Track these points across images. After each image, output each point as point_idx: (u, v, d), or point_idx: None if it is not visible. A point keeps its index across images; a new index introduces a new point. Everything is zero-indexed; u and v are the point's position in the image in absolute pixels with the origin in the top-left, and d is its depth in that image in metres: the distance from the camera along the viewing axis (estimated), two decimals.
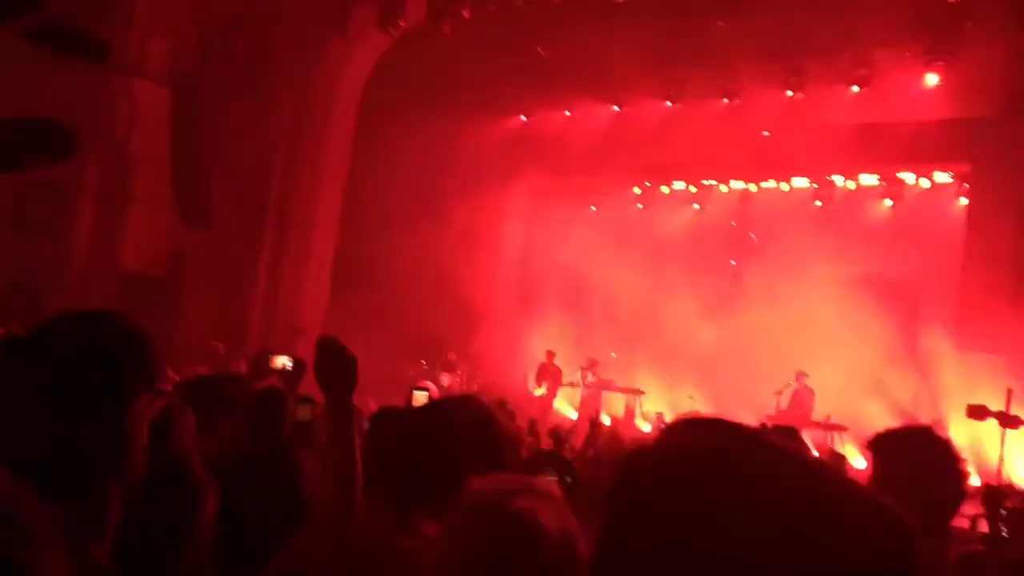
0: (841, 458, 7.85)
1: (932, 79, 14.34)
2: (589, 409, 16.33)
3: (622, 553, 1.05)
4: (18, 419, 1.69)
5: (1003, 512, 5.10)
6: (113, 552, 1.75)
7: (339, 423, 2.38)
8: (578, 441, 7.72)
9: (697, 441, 1.07)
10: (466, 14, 14.45)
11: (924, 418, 12.68)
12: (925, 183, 15.39)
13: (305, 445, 5.04)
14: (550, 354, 16.82)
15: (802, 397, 14.32)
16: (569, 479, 4.28)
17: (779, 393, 14.23)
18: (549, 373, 16.82)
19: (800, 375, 14.28)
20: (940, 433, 2.89)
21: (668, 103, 16.76)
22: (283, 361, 6.68)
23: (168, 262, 16.00)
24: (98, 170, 15.89)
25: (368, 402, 8.45)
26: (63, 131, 4.47)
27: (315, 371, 2.45)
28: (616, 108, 17.45)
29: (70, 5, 15.07)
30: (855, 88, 14.95)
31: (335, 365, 2.42)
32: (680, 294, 16.07)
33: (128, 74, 16.04)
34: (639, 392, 16.12)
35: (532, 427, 8.18)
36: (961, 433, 11.31)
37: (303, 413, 5.30)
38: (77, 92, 15.28)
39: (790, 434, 3.78)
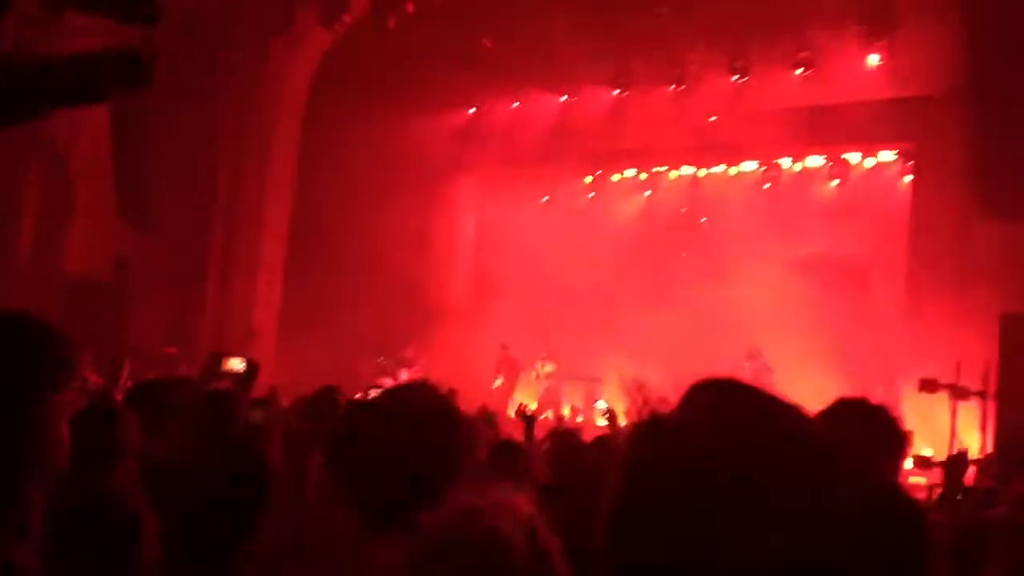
0: None
1: (874, 59, 14.56)
2: (549, 400, 16.39)
3: (641, 519, 1.06)
4: None
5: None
6: (39, 554, 1.71)
7: None
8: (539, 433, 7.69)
9: (719, 413, 1.10)
10: (410, 7, 14.35)
11: (877, 392, 12.92)
12: (870, 162, 15.62)
13: (260, 447, 4.98)
14: (504, 347, 16.84)
15: (758, 376, 14.43)
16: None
17: (735, 372, 14.33)
18: (505, 366, 16.83)
19: (754, 353, 14.34)
20: (873, 402, 2.99)
21: (615, 91, 16.82)
22: (236, 364, 6.59)
23: (115, 268, 15.72)
24: (39, 177, 15.55)
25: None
26: (140, 61, 4.41)
27: None
28: (564, 98, 17.46)
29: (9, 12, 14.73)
30: (799, 71, 15.13)
31: None
32: (635, 281, 16.19)
33: None
34: (598, 380, 16.16)
35: (490, 417, 8.12)
36: (914, 407, 11.53)
37: (256, 416, 5.25)
38: None
39: None
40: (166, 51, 15.65)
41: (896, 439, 2.91)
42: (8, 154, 14.95)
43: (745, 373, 11.21)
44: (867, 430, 2.78)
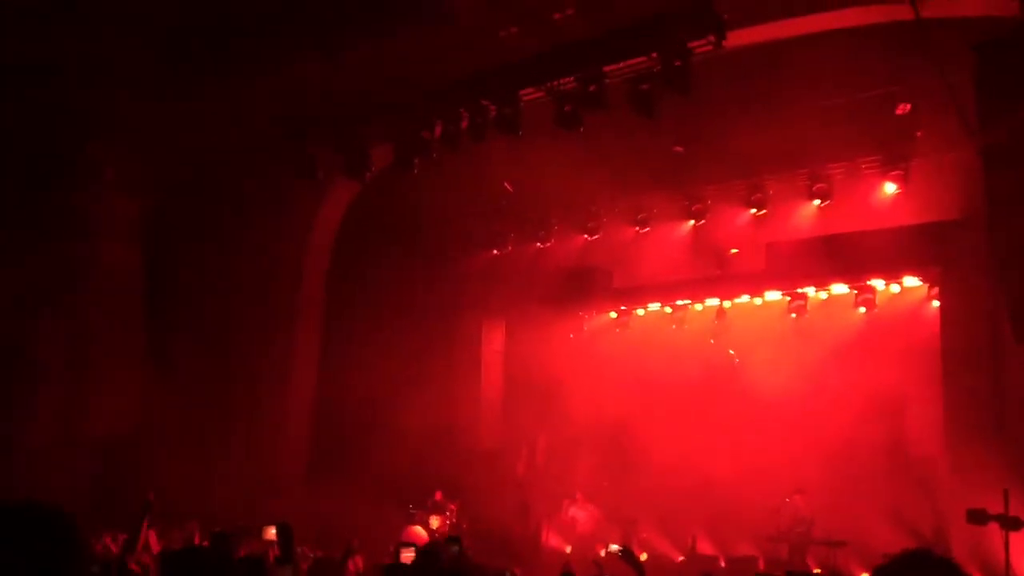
0: None
1: (890, 188, 14.74)
2: (583, 543, 15.97)
3: None
4: None
5: None
6: None
7: None
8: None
9: None
10: (433, 155, 14.72)
11: (923, 526, 12.52)
12: (895, 288, 15.58)
13: None
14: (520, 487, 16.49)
15: (800, 514, 14.05)
16: None
17: (776, 511, 13.96)
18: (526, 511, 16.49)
19: (797, 492, 14.04)
20: (939, 551, 2.91)
21: (637, 228, 17.08)
22: (270, 532, 6.53)
23: (139, 424, 15.67)
24: (62, 336, 15.68)
25: (357, 560, 8.23)
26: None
27: None
28: (587, 236, 17.71)
29: (38, 165, 15.19)
30: (816, 202, 15.35)
31: None
32: (664, 416, 15.98)
33: (96, 236, 16.06)
34: (632, 521, 15.78)
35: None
36: (964, 539, 11.13)
37: (283, 573, 5.19)
38: (45, 261, 15.25)
39: None
40: (190, 205, 16.03)
41: None
42: (27, 312, 15.13)
43: (784, 512, 10.95)
44: None
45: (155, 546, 8.10)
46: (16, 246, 15.03)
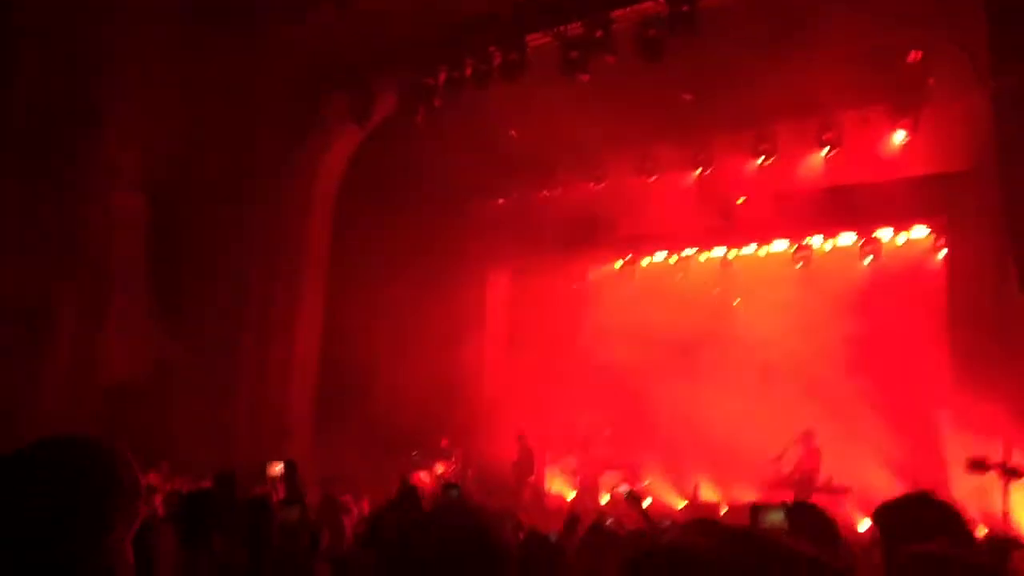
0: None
1: (899, 137, 14.61)
2: (585, 490, 16.14)
3: None
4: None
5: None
6: None
7: None
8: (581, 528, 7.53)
9: (703, 549, 1.08)
10: (437, 102, 14.62)
11: (923, 474, 12.60)
12: (902, 238, 15.51)
13: (293, 544, 4.98)
14: (521, 436, 16.56)
15: (806, 460, 14.09)
16: None
17: (779, 458, 14.04)
18: (523, 455, 16.57)
19: (808, 435, 14.03)
20: (940, 496, 2.95)
21: (644, 177, 16.96)
22: (276, 468, 6.59)
23: (150, 372, 15.81)
24: (75, 284, 15.78)
25: (362, 504, 8.32)
26: None
27: None
28: (593, 185, 17.61)
29: (44, 117, 15.24)
30: (825, 151, 15.22)
31: None
32: (668, 365, 16.04)
33: (104, 187, 16.07)
34: (635, 469, 15.91)
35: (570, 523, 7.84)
36: (964, 486, 11.20)
37: (291, 514, 5.25)
38: (56, 209, 15.29)
39: (819, 525, 3.74)
40: (198, 157, 16.05)
41: (967, 541, 2.84)
42: (43, 265, 15.23)
43: (790, 456, 10.98)
44: (933, 529, 2.71)
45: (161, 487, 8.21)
46: (27, 197, 15.06)
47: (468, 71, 14.06)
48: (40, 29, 14.93)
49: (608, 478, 16.15)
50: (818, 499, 13.47)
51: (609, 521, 7.28)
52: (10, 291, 14.79)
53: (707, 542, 1.06)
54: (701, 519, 1.20)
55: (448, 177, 17.05)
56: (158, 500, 5.74)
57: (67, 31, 14.85)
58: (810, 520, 3.74)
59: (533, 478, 16.52)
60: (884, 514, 2.93)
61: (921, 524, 2.74)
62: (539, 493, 16.54)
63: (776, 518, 3.35)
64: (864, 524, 11.62)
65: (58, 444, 1.77)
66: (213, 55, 15.19)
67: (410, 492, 5.62)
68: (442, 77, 14.34)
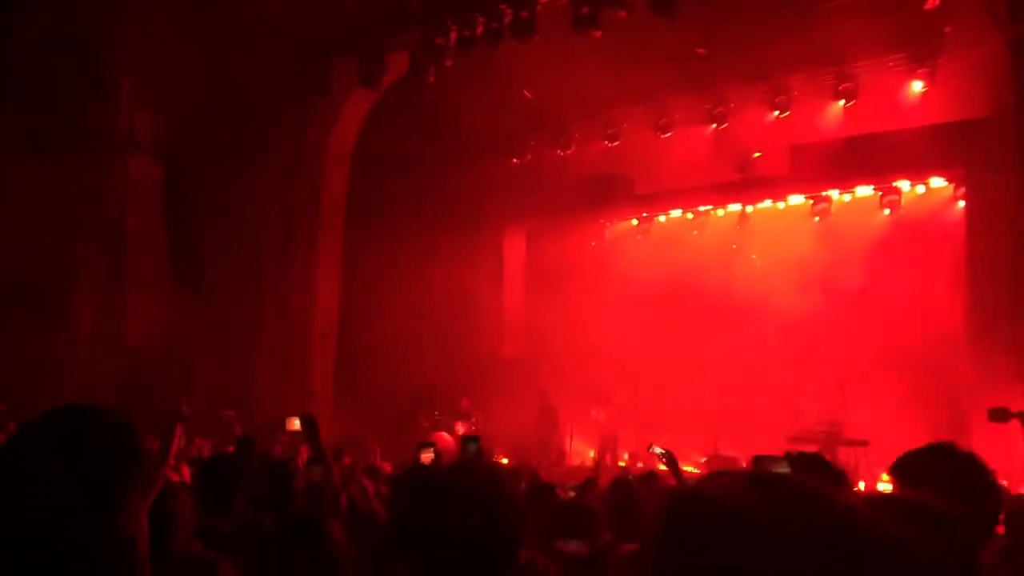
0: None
1: (917, 86, 14.43)
2: (606, 445, 16.23)
3: None
4: (15, 533, 1.66)
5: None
6: None
7: None
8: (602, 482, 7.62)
9: (737, 496, 1.11)
10: (448, 63, 14.53)
11: (945, 426, 12.60)
12: (921, 189, 15.38)
13: (319, 504, 5.04)
14: (544, 393, 16.64)
15: (836, 412, 14.03)
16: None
17: (799, 412, 14.02)
18: (546, 413, 16.66)
19: (839, 387, 13.97)
20: (962, 448, 2.83)
21: (659, 133, 16.84)
22: (295, 423, 6.62)
23: (171, 335, 15.98)
24: (95, 249, 15.93)
25: (383, 464, 8.40)
26: None
27: None
28: (607, 143, 17.51)
29: (57, 86, 15.27)
30: (841, 102, 15.05)
31: None
32: (686, 321, 16.06)
33: (120, 150, 16.14)
34: (653, 423, 15.97)
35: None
36: (985, 437, 11.20)
37: (315, 473, 5.30)
38: (73, 175, 15.41)
39: (830, 476, 3.68)
40: (212, 121, 16.12)
41: (991, 492, 2.76)
42: (63, 230, 15.37)
43: (821, 406, 10.87)
44: (958, 482, 2.65)
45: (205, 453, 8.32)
46: (43, 166, 15.17)
47: (479, 30, 13.94)
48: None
49: (628, 434, 16.24)
50: (843, 453, 13.54)
51: (630, 477, 7.36)
52: (31, 258, 14.94)
53: (750, 492, 1.11)
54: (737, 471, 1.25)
55: (463, 138, 17.01)
56: (183, 466, 5.83)
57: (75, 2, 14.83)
58: (817, 471, 3.70)
59: (556, 436, 16.62)
60: (902, 465, 2.77)
61: (940, 476, 2.63)
62: (561, 450, 16.65)
63: (780, 470, 3.32)
64: (884, 479, 11.68)
65: (73, 413, 1.81)
66: (224, 19, 15.14)
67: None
68: (453, 37, 14.23)
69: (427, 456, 5.13)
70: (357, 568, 4.11)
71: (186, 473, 6.34)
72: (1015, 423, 10.90)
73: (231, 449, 7.48)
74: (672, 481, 5.91)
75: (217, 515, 4.21)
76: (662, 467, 6.78)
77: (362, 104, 16.85)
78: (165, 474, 4.13)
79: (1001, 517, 3.24)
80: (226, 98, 16.13)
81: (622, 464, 15.30)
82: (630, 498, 5.31)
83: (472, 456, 5.34)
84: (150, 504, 2.91)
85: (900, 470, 2.79)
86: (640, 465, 14.90)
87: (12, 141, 15.03)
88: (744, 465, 14.53)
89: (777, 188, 16.30)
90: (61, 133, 15.41)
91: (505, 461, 14.12)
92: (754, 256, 16.70)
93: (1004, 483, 10.49)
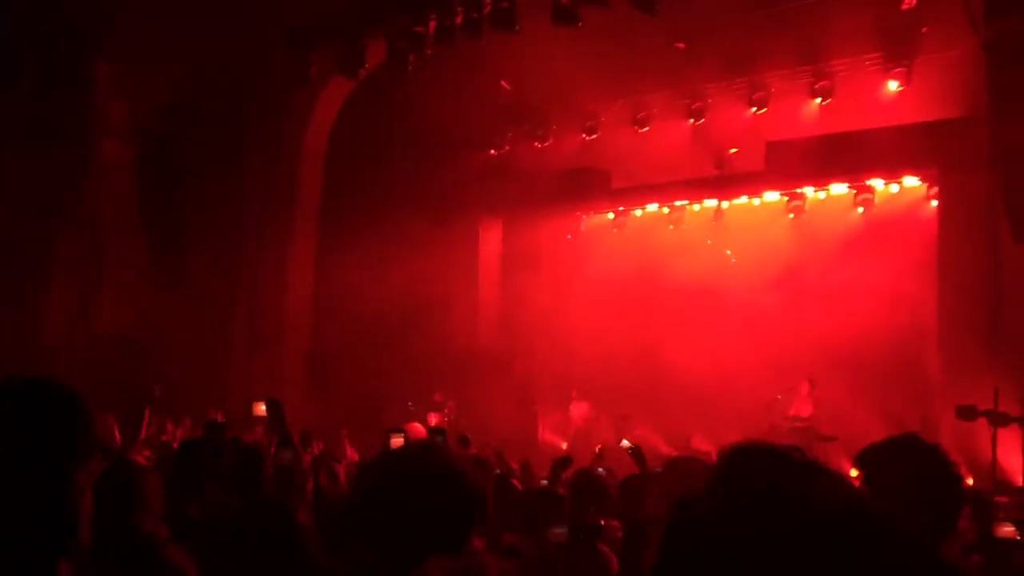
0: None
1: (893, 85, 14.54)
2: (582, 439, 16.24)
3: None
4: None
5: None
6: None
7: None
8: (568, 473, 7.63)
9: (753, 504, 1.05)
10: (427, 52, 14.48)
11: (913, 423, 12.72)
12: (895, 188, 15.51)
13: (288, 488, 5.03)
14: (523, 386, 16.69)
15: (804, 408, 14.14)
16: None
17: (769, 407, 14.13)
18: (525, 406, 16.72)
19: (807, 381, 14.06)
20: (927, 440, 2.84)
21: (636, 128, 16.87)
22: (260, 408, 6.60)
23: (144, 323, 15.85)
24: (68, 236, 15.78)
25: (349, 451, 8.39)
26: None
27: None
28: (585, 136, 17.53)
29: (33, 68, 15.09)
30: (818, 100, 15.15)
31: None
32: (660, 316, 16.12)
33: (94, 138, 15.98)
34: (626, 416, 16.03)
35: (525, 467, 8.08)
36: (952, 434, 11.33)
37: (284, 457, 5.28)
38: (46, 162, 15.24)
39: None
40: (189, 108, 16.00)
41: (954, 483, 2.77)
42: (38, 214, 15.21)
43: (785, 401, 10.90)
44: (923, 474, 2.67)
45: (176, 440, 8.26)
46: (23, 149, 15.01)
47: (459, 19, 13.90)
48: None
49: (600, 427, 16.29)
50: (815, 448, 13.63)
51: (600, 469, 7.38)
52: (7, 240, 14.78)
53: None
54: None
55: (440, 128, 16.94)
56: (147, 451, 5.79)
57: None
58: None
59: (529, 427, 16.65)
60: (866, 458, 2.77)
61: (904, 468, 2.65)
62: (533, 442, 16.67)
63: None
64: (853, 473, 11.76)
65: (24, 383, 1.82)
66: (204, 6, 15.02)
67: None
68: (432, 26, 14.18)
69: (397, 441, 5.12)
70: (323, 553, 4.10)
71: (148, 456, 6.30)
72: (982, 421, 11.06)
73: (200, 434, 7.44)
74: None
75: (187, 500, 4.19)
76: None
77: (339, 94, 16.77)
78: (133, 455, 4.11)
79: (965, 511, 3.26)
80: (203, 85, 16.00)
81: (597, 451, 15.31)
82: (593, 483, 5.33)
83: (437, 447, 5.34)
84: (108, 483, 2.89)
85: (865, 461, 2.81)
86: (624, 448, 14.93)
87: None
88: (715, 460, 14.64)
89: (753, 184, 16.38)
90: (35, 118, 15.24)
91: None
92: (728, 252, 16.79)
93: (969, 480, 10.63)
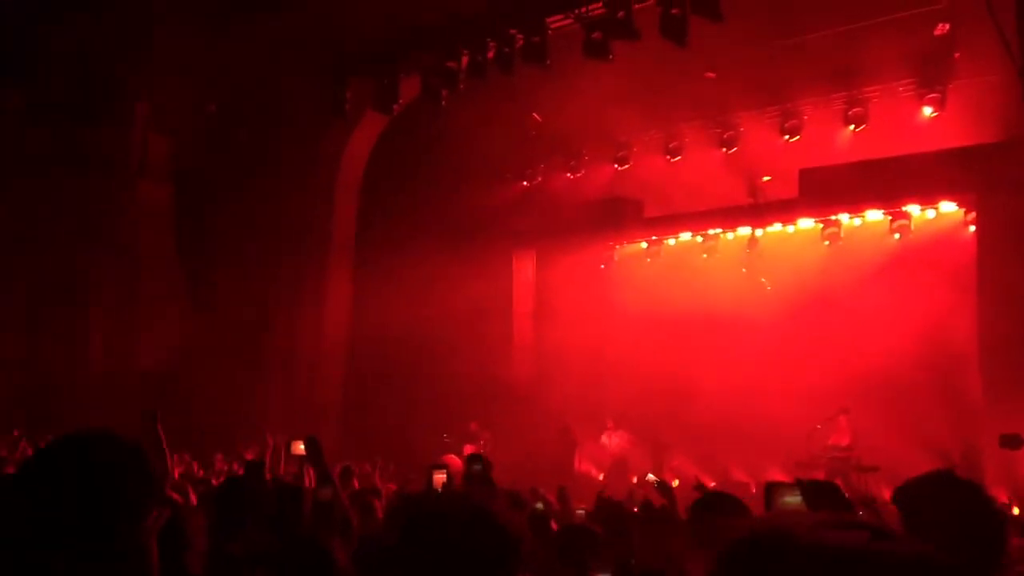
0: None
1: (927, 111, 14.46)
2: (615, 470, 16.17)
3: None
4: (27, 559, 1.68)
5: None
6: None
7: None
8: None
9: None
10: (460, 87, 14.64)
11: (955, 452, 12.53)
12: (931, 214, 15.36)
13: (327, 523, 5.05)
14: (562, 416, 16.64)
15: (841, 438, 13.97)
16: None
17: (809, 437, 13.93)
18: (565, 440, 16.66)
19: (842, 412, 13.91)
20: (971, 468, 2.83)
21: (669, 157, 16.90)
22: (299, 446, 6.63)
23: (182, 357, 16.04)
24: (108, 272, 16.04)
25: (387, 485, 8.41)
26: None
27: None
28: (617, 166, 17.58)
29: (76, 110, 15.45)
30: (851, 127, 15.10)
31: None
32: (696, 345, 16.02)
33: (132, 175, 16.29)
34: (665, 447, 15.94)
35: (561, 495, 8.02)
36: (997, 464, 11.15)
37: (324, 494, 5.30)
38: (85, 198, 15.55)
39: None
40: (225, 144, 16.23)
41: (996, 519, 2.74)
42: (78, 248, 15.48)
43: (825, 430, 10.75)
44: (964, 512, 2.64)
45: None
46: (62, 185, 15.31)
47: (491, 55, 14.05)
48: (69, 21, 15.12)
49: (637, 457, 16.19)
50: (855, 479, 13.45)
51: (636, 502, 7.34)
52: (44, 283, 15.06)
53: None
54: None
55: (473, 160, 17.08)
56: (189, 489, 5.85)
57: (94, 25, 15.03)
58: (828, 499, 3.68)
59: (566, 456, 16.59)
60: (904, 494, 2.74)
61: (942, 505, 2.61)
62: (569, 473, 16.60)
63: (793, 499, 3.31)
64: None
65: (85, 439, 1.84)
66: (238, 44, 15.30)
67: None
68: (465, 61, 14.34)
69: (439, 478, 5.13)
70: None
71: (190, 495, 6.36)
72: None
73: (240, 472, 7.49)
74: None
75: (228, 538, 4.23)
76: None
77: (374, 126, 16.97)
78: (175, 498, 4.16)
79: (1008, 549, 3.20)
80: (240, 121, 16.28)
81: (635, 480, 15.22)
82: (617, 519, 5.31)
83: (477, 475, 5.33)
84: (160, 527, 2.93)
85: (902, 499, 2.78)
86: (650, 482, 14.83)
87: (24, 163, 15.18)
88: (754, 491, 14.48)
89: (787, 212, 16.30)
90: (75, 154, 15.56)
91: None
92: (763, 280, 16.68)
93: (1016, 511, 10.44)
